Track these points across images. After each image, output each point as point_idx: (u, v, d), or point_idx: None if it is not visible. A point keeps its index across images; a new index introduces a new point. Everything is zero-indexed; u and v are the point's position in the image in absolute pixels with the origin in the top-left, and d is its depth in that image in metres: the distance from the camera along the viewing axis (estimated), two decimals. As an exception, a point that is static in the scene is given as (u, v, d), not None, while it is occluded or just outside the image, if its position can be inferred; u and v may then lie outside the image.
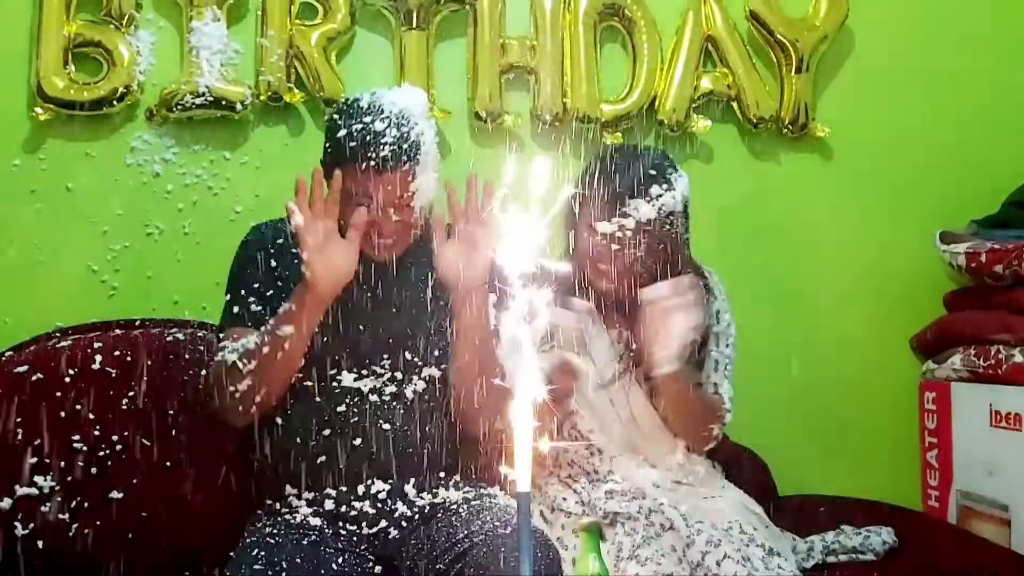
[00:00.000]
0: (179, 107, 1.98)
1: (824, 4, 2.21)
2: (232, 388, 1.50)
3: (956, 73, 2.29)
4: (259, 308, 1.58)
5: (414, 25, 2.06)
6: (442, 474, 1.59)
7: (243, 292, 1.60)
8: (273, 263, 1.61)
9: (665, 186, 1.66)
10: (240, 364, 1.49)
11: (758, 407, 2.11)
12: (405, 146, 1.50)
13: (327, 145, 1.56)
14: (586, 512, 1.60)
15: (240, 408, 1.52)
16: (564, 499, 1.65)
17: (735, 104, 2.21)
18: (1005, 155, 2.23)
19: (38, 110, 1.95)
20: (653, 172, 1.66)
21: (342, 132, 1.51)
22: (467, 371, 1.54)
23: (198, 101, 1.98)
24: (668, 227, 1.66)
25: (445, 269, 1.54)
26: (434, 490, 1.57)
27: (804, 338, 2.22)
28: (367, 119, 1.51)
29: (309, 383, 1.57)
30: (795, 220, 2.25)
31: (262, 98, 2.02)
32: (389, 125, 1.50)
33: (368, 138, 1.49)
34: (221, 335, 1.60)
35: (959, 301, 2.16)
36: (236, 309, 1.59)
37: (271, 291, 1.59)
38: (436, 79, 2.09)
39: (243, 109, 2.00)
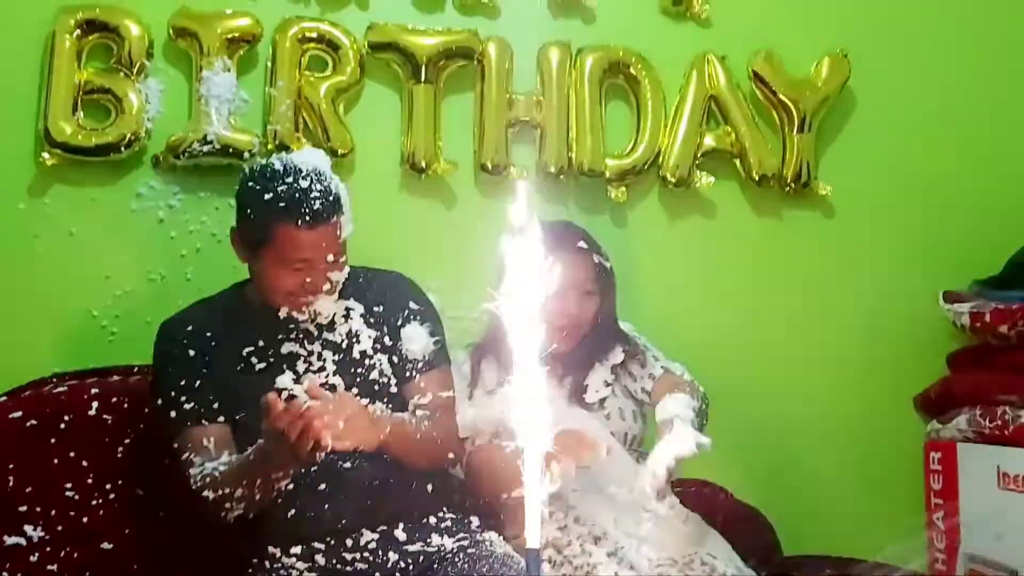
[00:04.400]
0: (186, 154, 1.99)
1: (826, 65, 2.25)
2: (221, 513, 1.50)
3: (958, 135, 2.32)
4: (193, 404, 1.56)
5: (422, 79, 2.08)
6: (432, 519, 1.56)
7: (173, 393, 1.58)
8: (191, 353, 1.60)
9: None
10: (227, 506, 1.48)
11: (762, 466, 2.10)
12: (330, 199, 1.55)
13: (249, 212, 1.58)
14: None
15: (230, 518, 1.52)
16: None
17: (738, 161, 2.23)
18: (1007, 215, 2.25)
19: (45, 155, 1.95)
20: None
21: (268, 196, 1.54)
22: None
23: (205, 149, 1.99)
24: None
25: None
26: (426, 537, 1.53)
27: (808, 397, 2.21)
28: (289, 180, 1.54)
29: None
30: (797, 277, 2.25)
31: (269, 147, 2.03)
32: (312, 182, 1.54)
33: (298, 196, 1.52)
34: (176, 441, 1.57)
35: (963, 361, 2.15)
36: (174, 414, 1.57)
37: (199, 380, 1.58)
38: (443, 131, 2.11)
39: (250, 157, 2.01)
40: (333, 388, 1.58)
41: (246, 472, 1.46)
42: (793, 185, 2.23)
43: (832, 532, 2.10)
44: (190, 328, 1.62)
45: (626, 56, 2.18)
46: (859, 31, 2.29)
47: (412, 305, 1.68)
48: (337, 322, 1.63)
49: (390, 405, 1.62)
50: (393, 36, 2.08)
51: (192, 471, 1.52)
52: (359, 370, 1.62)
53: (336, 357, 1.61)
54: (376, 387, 1.62)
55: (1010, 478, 1.94)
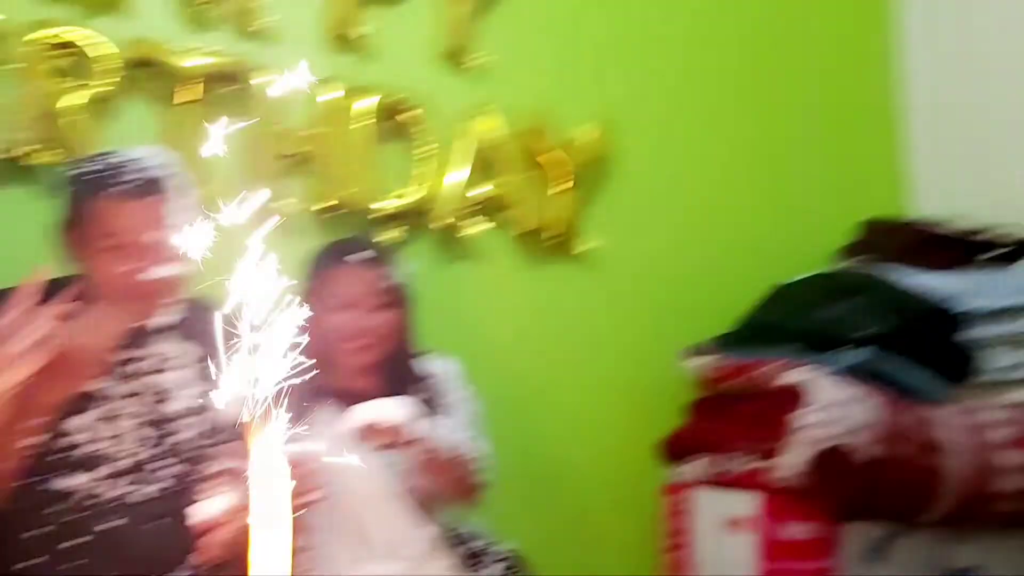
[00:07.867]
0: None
1: (594, 127, 2.38)
2: None
3: (709, 207, 2.51)
4: None
5: (185, 100, 1.98)
6: None
7: None
8: None
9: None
10: None
11: (509, 512, 2.13)
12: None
13: None
14: None
15: None
16: None
17: (507, 213, 2.30)
18: (741, 278, 2.42)
19: None
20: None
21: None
22: None
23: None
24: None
25: None
26: None
27: (553, 441, 2.28)
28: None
29: None
30: (555, 329, 2.34)
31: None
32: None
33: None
34: None
35: (701, 410, 2.31)
36: None
37: None
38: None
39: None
40: None
41: None
42: (557, 239, 2.33)
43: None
44: None
45: (403, 100, 2.21)
46: (627, 96, 2.43)
47: None
48: None
49: None
50: (154, 53, 1.97)
51: None
52: None
53: None
54: None
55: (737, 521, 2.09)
